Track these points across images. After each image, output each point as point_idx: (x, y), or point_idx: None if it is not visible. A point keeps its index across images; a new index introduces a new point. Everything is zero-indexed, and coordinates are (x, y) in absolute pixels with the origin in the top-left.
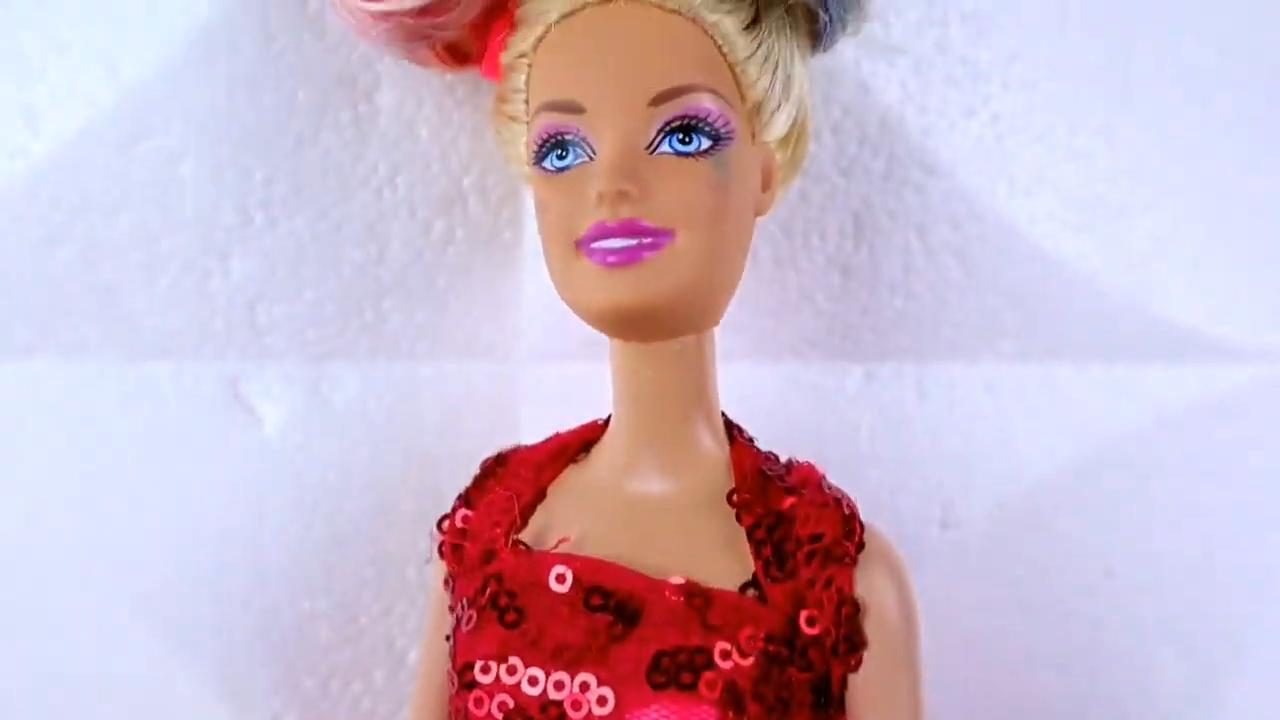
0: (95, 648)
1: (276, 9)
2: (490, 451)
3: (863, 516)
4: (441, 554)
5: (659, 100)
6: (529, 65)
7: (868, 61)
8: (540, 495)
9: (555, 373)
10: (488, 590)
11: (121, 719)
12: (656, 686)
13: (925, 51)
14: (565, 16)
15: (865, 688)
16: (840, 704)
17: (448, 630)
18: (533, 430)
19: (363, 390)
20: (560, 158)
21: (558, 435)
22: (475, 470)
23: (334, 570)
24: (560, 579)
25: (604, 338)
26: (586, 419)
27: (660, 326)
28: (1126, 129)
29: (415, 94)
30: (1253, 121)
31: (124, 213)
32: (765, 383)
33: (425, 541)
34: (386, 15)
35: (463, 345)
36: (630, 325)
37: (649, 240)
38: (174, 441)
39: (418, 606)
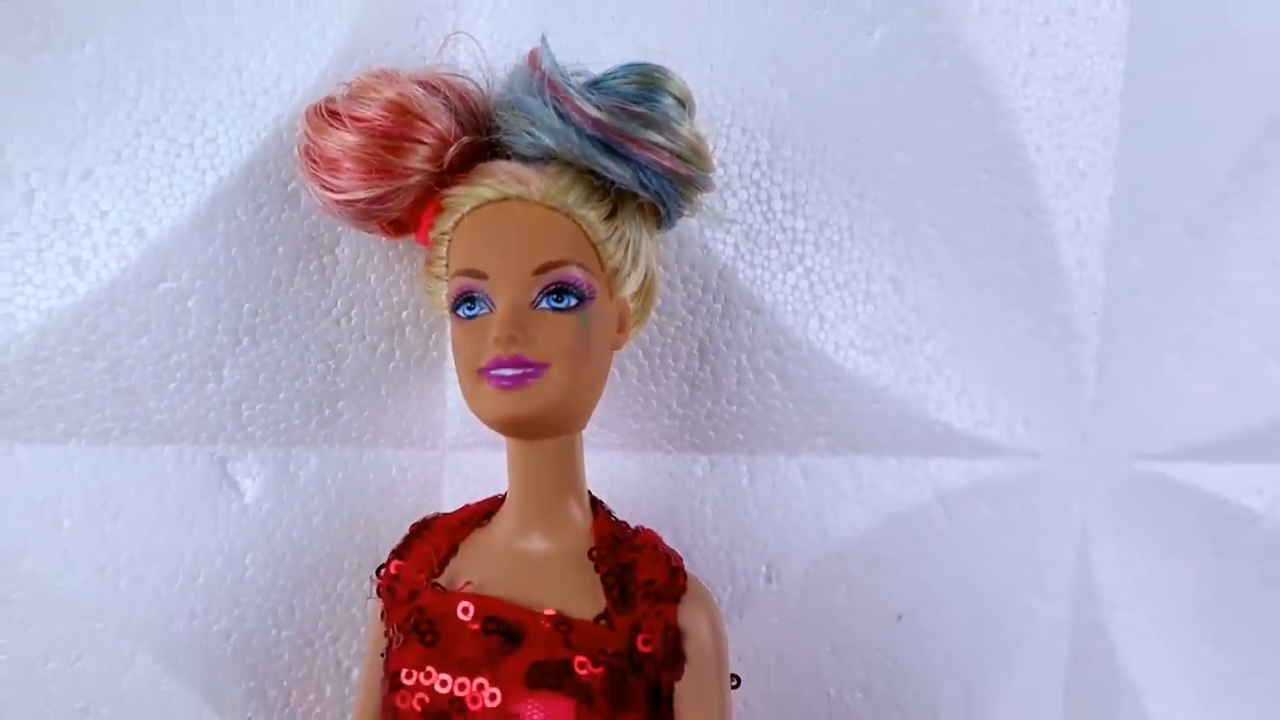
0: (109, 670)
1: (264, 187)
2: (417, 518)
3: (690, 570)
4: (379, 593)
5: (540, 270)
6: (449, 240)
7: (709, 230)
8: (453, 550)
9: (470, 459)
10: (412, 619)
11: None
12: (532, 687)
13: (753, 221)
14: (476, 208)
15: (686, 692)
16: (668, 705)
17: (382, 650)
18: (452, 501)
19: (321, 469)
20: (470, 309)
21: (467, 506)
22: (405, 532)
23: (295, 607)
24: (465, 610)
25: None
26: (492, 494)
27: (539, 430)
28: (909, 279)
29: (366, 249)
30: (1005, 279)
31: (144, 335)
32: (631, 469)
33: (366, 584)
34: (346, 203)
35: (399, 436)
36: (517, 429)
37: (530, 370)
38: (176, 508)
39: (359, 635)
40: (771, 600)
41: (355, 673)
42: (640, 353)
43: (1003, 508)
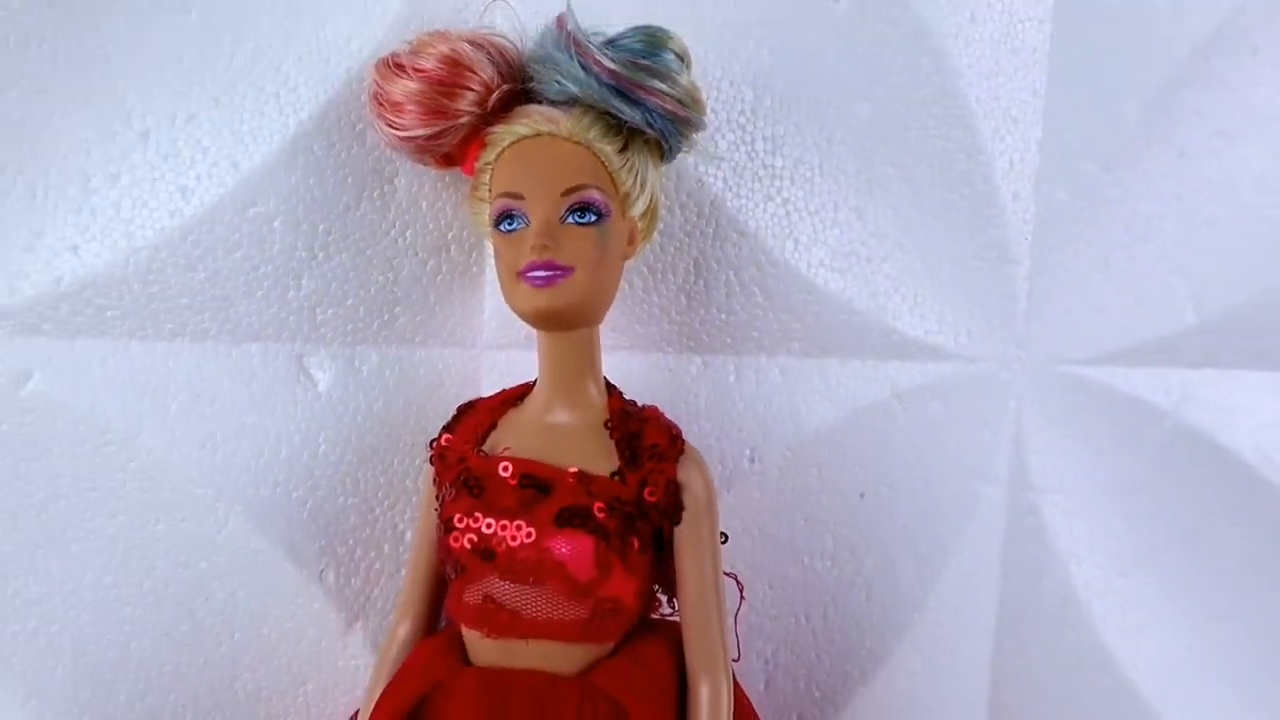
0: (207, 529)
1: (337, 129)
2: (460, 403)
3: (689, 442)
4: (431, 461)
5: (567, 192)
6: (491, 169)
7: (702, 165)
8: (493, 425)
9: (504, 357)
10: (462, 477)
11: (224, 575)
12: (560, 526)
13: (739, 159)
14: (514, 143)
15: (683, 536)
16: (669, 549)
17: (435, 508)
18: (489, 392)
19: (381, 365)
20: (509, 224)
21: (504, 390)
22: (453, 412)
23: (360, 479)
24: (505, 469)
25: (535, 334)
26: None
27: (565, 322)
28: (870, 209)
29: (419, 180)
30: (951, 210)
31: (238, 250)
32: (636, 366)
33: (418, 461)
34: (407, 139)
35: (445, 337)
36: (548, 320)
37: (559, 272)
38: (262, 395)
39: (413, 503)
40: (754, 480)
41: (409, 534)
42: (645, 268)
43: (950, 404)
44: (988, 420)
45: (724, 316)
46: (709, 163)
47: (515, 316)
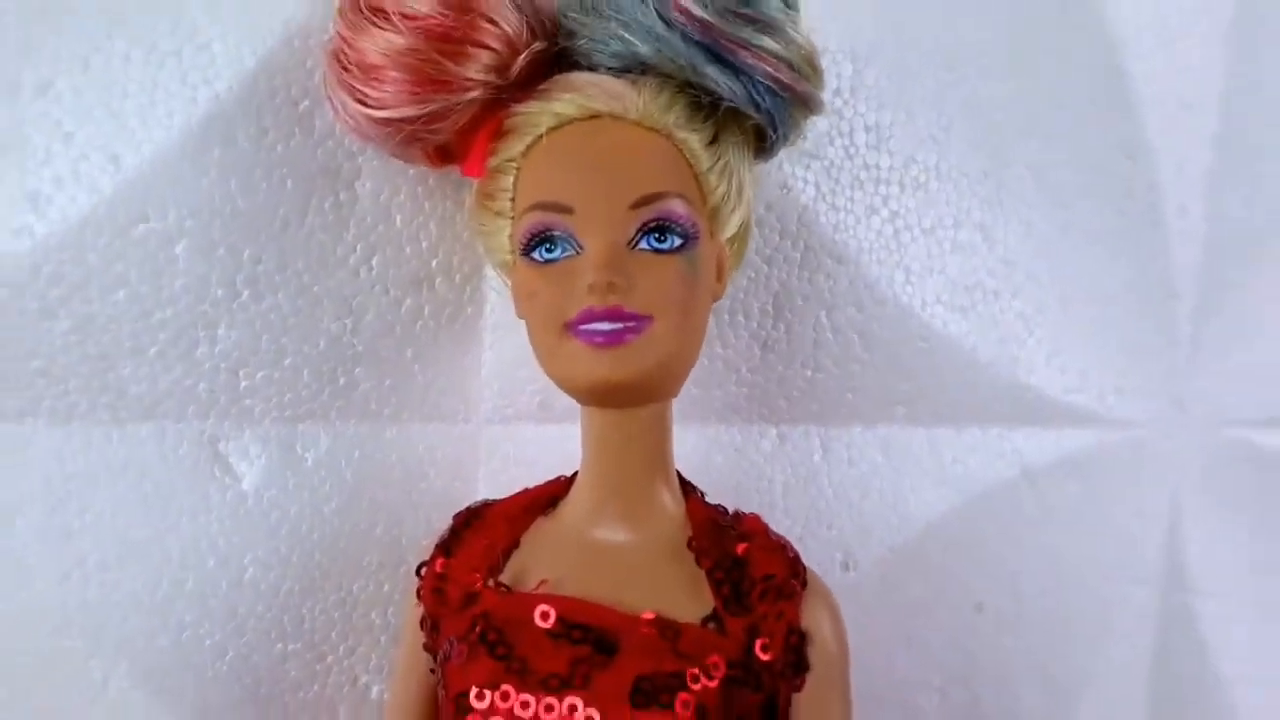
0: (80, 695)
1: (270, 107)
2: (449, 506)
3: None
4: (420, 597)
5: (639, 204)
6: (517, 169)
7: (787, 164)
8: (514, 544)
9: (510, 434)
10: (477, 627)
11: None
12: (638, 706)
13: (835, 157)
14: (555, 129)
15: (806, 706)
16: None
17: (425, 666)
18: (490, 486)
19: (334, 449)
20: (549, 250)
21: (525, 491)
22: (445, 523)
23: (304, 615)
24: (544, 615)
25: (553, 402)
26: (538, 476)
27: (636, 397)
28: (999, 226)
29: (391, 183)
30: (1101, 227)
31: (120, 289)
32: (691, 443)
33: (389, 586)
34: (386, 121)
35: (427, 409)
36: (612, 396)
37: (632, 324)
38: (157, 499)
39: (381, 646)
40: (847, 591)
41: (376, 690)
42: None
43: (1092, 483)
44: (1139, 504)
45: (809, 373)
46: (796, 161)
47: (526, 378)
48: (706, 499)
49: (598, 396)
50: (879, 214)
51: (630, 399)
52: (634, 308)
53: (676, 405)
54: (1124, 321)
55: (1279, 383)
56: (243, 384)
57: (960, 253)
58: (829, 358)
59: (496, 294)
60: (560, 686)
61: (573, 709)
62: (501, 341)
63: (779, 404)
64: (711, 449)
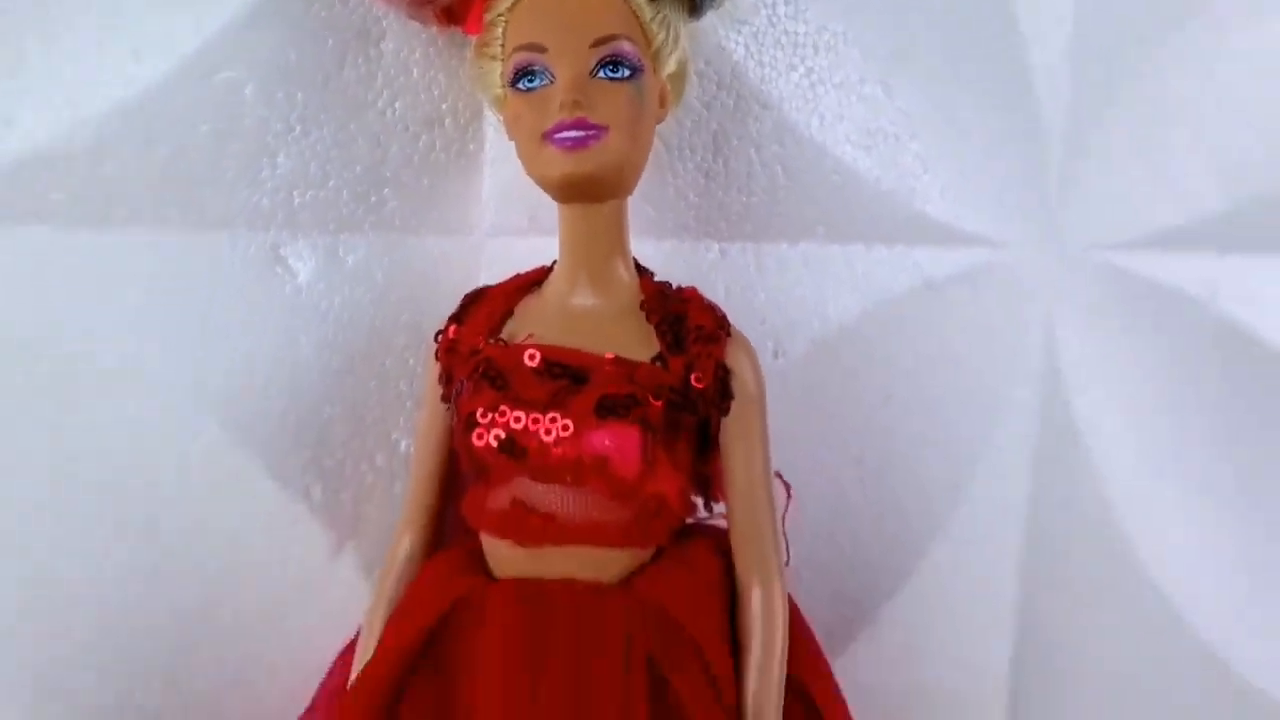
0: (179, 443)
1: None
2: (458, 299)
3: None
4: (438, 356)
5: (597, 44)
6: (505, 21)
7: (722, 29)
8: (509, 312)
9: (504, 245)
10: (480, 368)
11: (197, 495)
12: (601, 417)
13: (760, 24)
14: None
15: (732, 427)
16: (715, 443)
17: (442, 423)
18: (490, 282)
19: (368, 255)
20: (530, 81)
21: (517, 275)
22: (459, 302)
23: (348, 384)
24: (531, 357)
25: (539, 217)
26: None
27: (596, 190)
28: (898, 82)
29: (409, 43)
30: (982, 81)
31: (204, 123)
32: (649, 255)
33: (413, 361)
34: None
35: (440, 224)
36: (579, 189)
37: (593, 133)
38: (233, 291)
39: (407, 409)
40: (777, 375)
41: (404, 444)
42: (660, 145)
43: (979, 292)
44: (1019, 310)
45: (744, 199)
46: (729, 26)
47: (517, 199)
48: (656, 277)
49: (567, 190)
50: (797, 70)
51: (593, 193)
52: (595, 120)
53: (638, 223)
54: (1004, 161)
55: (1135, 212)
56: (296, 201)
57: (865, 103)
58: (759, 186)
59: (493, 131)
60: (544, 406)
61: (553, 420)
62: (498, 171)
63: (720, 224)
64: (667, 260)
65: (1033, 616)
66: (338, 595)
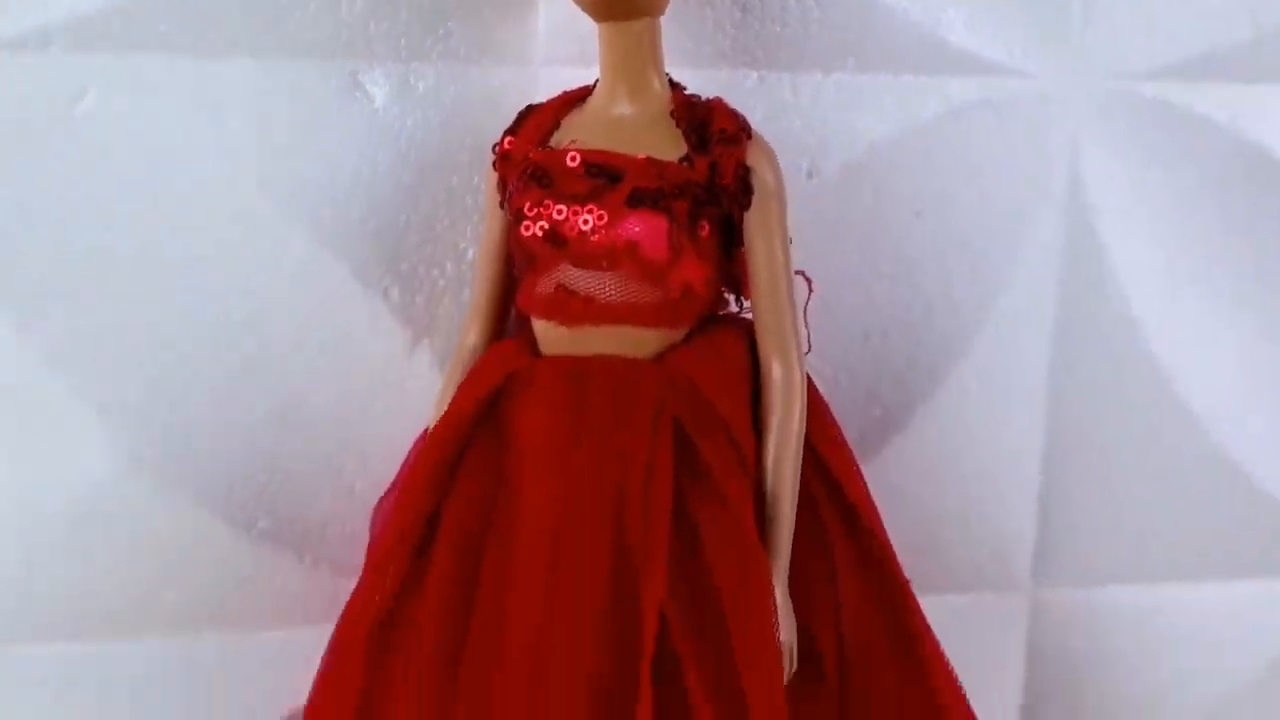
0: (270, 251)
1: None
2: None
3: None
4: (495, 166)
5: None
6: None
7: None
8: (556, 125)
9: (560, 74)
10: (529, 170)
11: (290, 298)
12: (632, 206)
13: None
14: None
15: (753, 220)
16: (740, 241)
17: (499, 228)
18: None
19: (437, 82)
20: None
21: (565, 92)
22: (513, 117)
23: (420, 197)
24: (573, 159)
25: (587, 51)
26: None
27: (628, 8)
28: None
29: None
30: None
31: None
32: (691, 80)
33: (477, 179)
34: None
35: (499, 55)
36: (610, 7)
37: None
38: (319, 114)
39: (473, 221)
40: (811, 193)
41: (471, 252)
42: None
43: (1004, 120)
44: (1043, 136)
45: (779, 29)
46: None
47: (569, 33)
48: (686, 89)
49: (602, 8)
50: None
51: (625, 9)
52: None
53: (678, 53)
54: None
55: (1162, 41)
56: (371, 30)
57: None
58: (793, 18)
59: None
60: (583, 200)
61: (590, 211)
62: (551, 7)
63: (757, 53)
64: (705, 86)
65: (1059, 421)
66: (414, 387)
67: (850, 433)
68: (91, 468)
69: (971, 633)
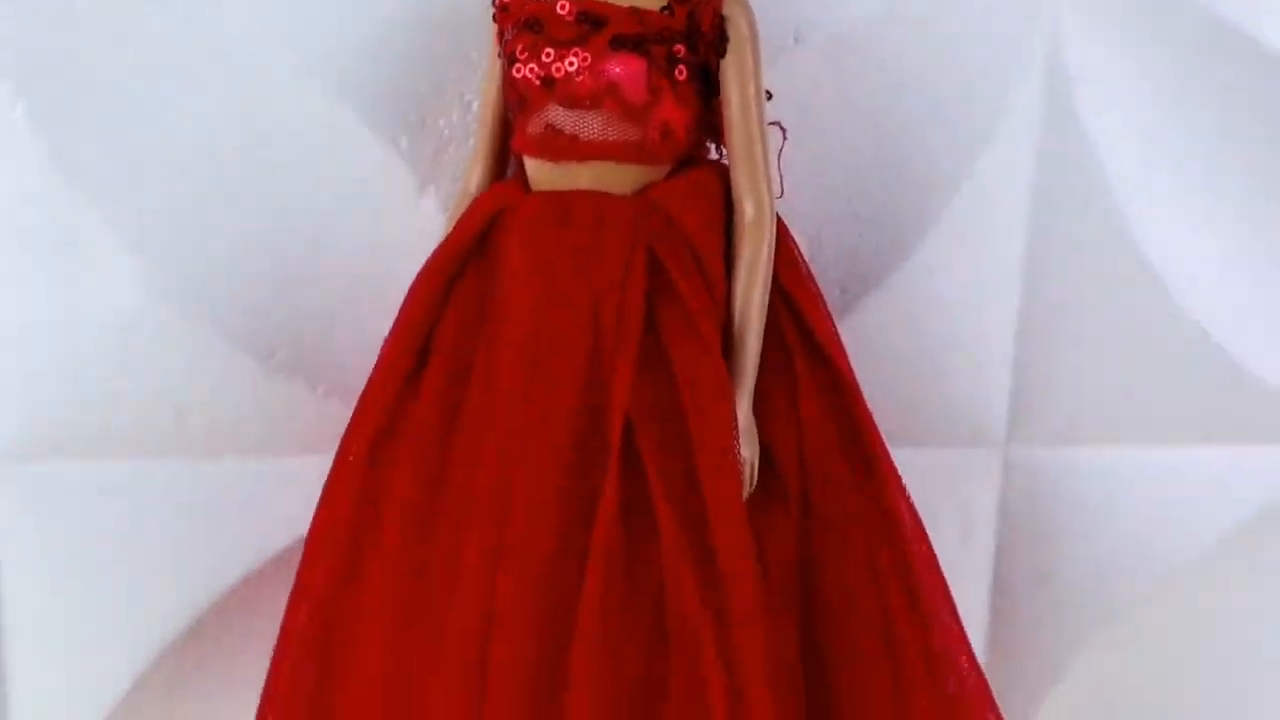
0: (291, 97)
1: None
2: None
3: None
4: (495, 20)
5: None
6: None
7: None
8: None
9: None
10: (524, 19)
11: (308, 145)
12: (613, 49)
13: None
14: None
15: (729, 65)
16: (717, 88)
17: (498, 70)
18: None
19: None
20: None
21: None
22: None
23: (431, 49)
24: (563, 8)
25: None
26: None
27: None
28: None
29: None
30: None
31: None
32: None
33: (482, 34)
34: None
35: None
36: None
37: None
38: None
39: (477, 75)
40: (798, 59)
41: (475, 105)
42: None
43: None
44: (1024, 8)
45: None
46: None
47: None
48: None
49: None
50: None
51: None
52: None
53: None
54: None
55: None
56: None
57: None
58: None
59: None
60: (569, 43)
61: (575, 53)
62: None
63: None
64: None
65: (1035, 280)
66: (421, 228)
67: (831, 289)
68: (123, 300)
69: (946, 487)
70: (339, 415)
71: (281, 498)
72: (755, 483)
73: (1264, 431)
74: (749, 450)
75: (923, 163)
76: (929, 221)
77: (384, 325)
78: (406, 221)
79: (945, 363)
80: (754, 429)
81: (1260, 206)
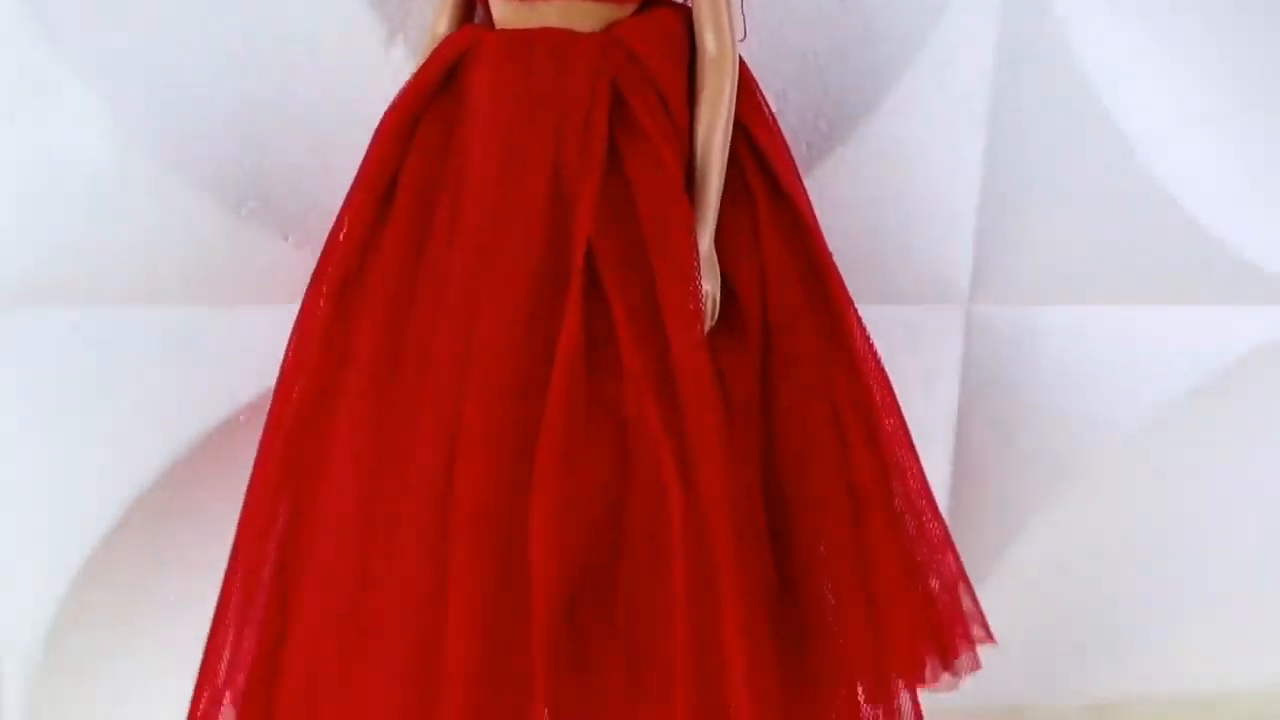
0: None
1: None
2: None
3: None
4: None
5: None
6: None
7: None
8: None
9: None
10: None
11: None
12: None
13: None
14: None
15: None
16: None
17: None
18: None
19: None
20: None
21: None
22: None
23: None
24: None
25: None
26: None
27: None
28: None
29: None
30: None
31: None
32: None
33: None
34: None
35: None
36: None
37: None
38: None
39: None
40: None
41: None
42: None
43: None
44: None
45: None
46: None
47: None
48: None
49: None
50: None
51: None
52: None
53: None
54: None
55: None
56: None
57: None
58: None
59: None
60: None
61: None
62: None
63: None
64: None
65: (999, 147)
66: (390, 76)
67: (798, 145)
68: (97, 152)
69: (909, 344)
70: (310, 264)
71: (254, 346)
72: (717, 316)
73: (1224, 292)
74: (710, 283)
75: (887, 19)
76: (893, 78)
77: (351, 174)
78: (375, 71)
79: (909, 221)
80: (715, 262)
81: (1227, 64)
